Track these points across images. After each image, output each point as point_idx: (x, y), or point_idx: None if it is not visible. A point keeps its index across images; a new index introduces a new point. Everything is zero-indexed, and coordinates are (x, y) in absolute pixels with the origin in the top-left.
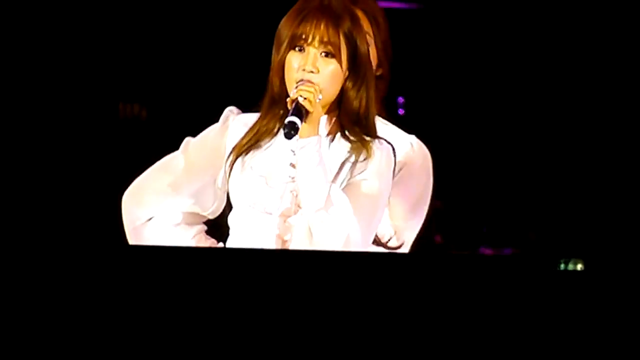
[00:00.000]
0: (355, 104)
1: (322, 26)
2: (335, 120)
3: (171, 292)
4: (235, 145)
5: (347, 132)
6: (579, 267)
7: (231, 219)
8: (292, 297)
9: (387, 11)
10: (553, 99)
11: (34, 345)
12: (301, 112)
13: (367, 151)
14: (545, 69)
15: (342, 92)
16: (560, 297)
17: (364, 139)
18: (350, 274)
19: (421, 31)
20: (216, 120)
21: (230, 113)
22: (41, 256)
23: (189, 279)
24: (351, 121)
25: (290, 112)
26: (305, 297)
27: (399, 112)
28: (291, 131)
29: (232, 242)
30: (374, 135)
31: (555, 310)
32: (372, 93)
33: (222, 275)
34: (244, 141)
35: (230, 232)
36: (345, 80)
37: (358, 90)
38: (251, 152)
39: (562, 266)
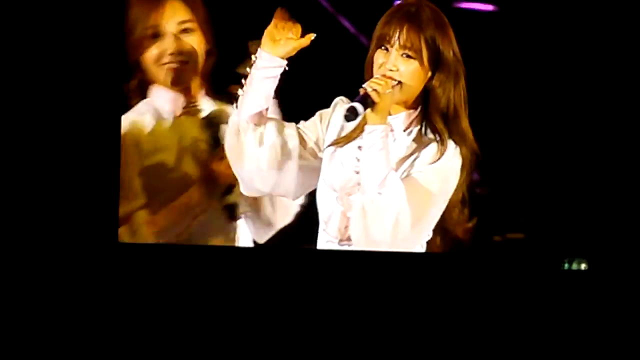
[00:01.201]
0: (443, 101)
1: (404, 30)
2: (415, 117)
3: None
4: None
5: (428, 130)
6: (583, 266)
7: (318, 190)
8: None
9: (462, 12)
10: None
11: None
12: (366, 100)
13: (439, 150)
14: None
15: (429, 91)
16: (564, 297)
17: (442, 140)
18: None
19: (495, 33)
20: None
21: (340, 101)
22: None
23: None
24: (438, 118)
25: (356, 98)
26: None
27: None
28: (351, 115)
29: (320, 214)
30: (457, 139)
31: (559, 309)
32: (460, 95)
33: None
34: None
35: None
36: (431, 80)
37: (445, 90)
38: (340, 143)
39: (566, 266)
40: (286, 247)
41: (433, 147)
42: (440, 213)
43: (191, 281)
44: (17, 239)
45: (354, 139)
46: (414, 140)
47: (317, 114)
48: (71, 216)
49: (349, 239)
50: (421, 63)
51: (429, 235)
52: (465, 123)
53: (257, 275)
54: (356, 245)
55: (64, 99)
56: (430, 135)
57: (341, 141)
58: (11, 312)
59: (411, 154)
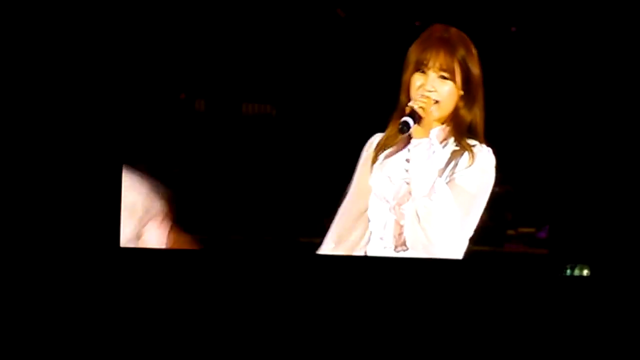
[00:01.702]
0: (468, 118)
1: (440, 54)
2: (449, 130)
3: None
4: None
5: (458, 140)
6: (585, 273)
7: (369, 206)
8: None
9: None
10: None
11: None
12: (415, 116)
13: (471, 156)
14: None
15: (456, 108)
16: (566, 303)
17: (470, 146)
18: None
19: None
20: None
21: (369, 141)
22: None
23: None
24: (463, 131)
25: (407, 114)
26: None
27: None
28: (404, 127)
29: (372, 225)
30: (482, 142)
31: (561, 315)
32: (482, 109)
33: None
34: (380, 151)
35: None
36: (459, 98)
37: (470, 108)
38: (382, 156)
39: (569, 272)
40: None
41: (466, 153)
42: (483, 209)
43: (200, 287)
44: (22, 244)
45: (389, 146)
46: (449, 150)
47: (361, 169)
48: (74, 221)
49: (403, 244)
50: (455, 83)
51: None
52: (482, 128)
53: (261, 279)
54: (412, 249)
55: (69, 104)
56: (462, 144)
57: (379, 154)
58: (14, 314)
59: (449, 162)
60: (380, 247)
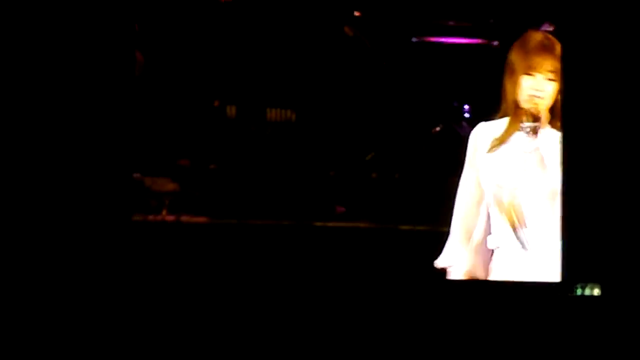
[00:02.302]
0: (559, 105)
1: (548, 59)
2: (549, 118)
3: None
4: (489, 146)
5: (554, 124)
6: (596, 292)
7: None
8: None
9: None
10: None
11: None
12: (538, 118)
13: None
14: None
15: (556, 100)
16: (576, 323)
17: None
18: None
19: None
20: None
21: (474, 131)
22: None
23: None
24: (557, 116)
25: (532, 119)
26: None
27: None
28: (530, 132)
29: (490, 210)
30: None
31: (570, 336)
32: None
33: None
34: (495, 142)
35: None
36: (558, 92)
37: (559, 98)
38: (496, 148)
39: (579, 291)
40: None
41: (559, 134)
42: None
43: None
44: (34, 218)
45: (502, 137)
46: (548, 133)
47: (468, 163)
48: (86, 194)
49: (524, 224)
50: (559, 82)
51: None
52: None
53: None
54: (529, 229)
55: (86, 79)
56: (556, 129)
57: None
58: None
59: (549, 144)
60: (502, 232)
